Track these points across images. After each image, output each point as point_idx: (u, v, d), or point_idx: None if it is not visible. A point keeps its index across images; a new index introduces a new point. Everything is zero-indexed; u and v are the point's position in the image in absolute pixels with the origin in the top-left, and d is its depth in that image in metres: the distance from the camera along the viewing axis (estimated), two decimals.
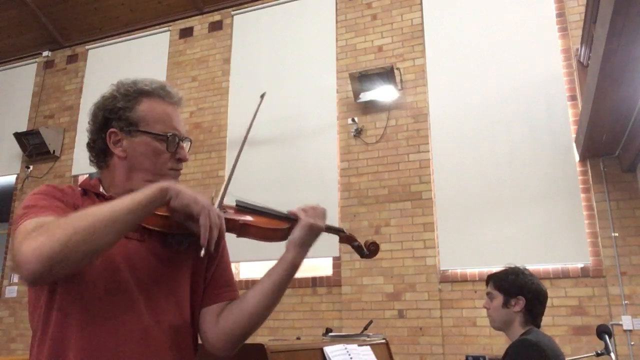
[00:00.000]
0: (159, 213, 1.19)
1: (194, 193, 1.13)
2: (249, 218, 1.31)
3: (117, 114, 1.26)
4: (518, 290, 2.23)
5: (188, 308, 1.26)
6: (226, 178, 1.32)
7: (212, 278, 1.33)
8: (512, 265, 2.36)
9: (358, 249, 1.47)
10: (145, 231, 1.21)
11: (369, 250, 1.47)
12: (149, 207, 1.09)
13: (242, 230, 1.28)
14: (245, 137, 1.38)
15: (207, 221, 1.12)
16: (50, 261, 0.95)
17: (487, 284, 2.38)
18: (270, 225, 1.31)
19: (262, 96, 1.42)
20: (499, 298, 2.27)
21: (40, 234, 0.98)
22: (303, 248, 1.29)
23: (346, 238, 1.47)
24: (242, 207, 1.35)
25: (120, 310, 1.14)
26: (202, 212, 1.12)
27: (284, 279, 1.26)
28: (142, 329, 1.15)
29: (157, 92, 1.29)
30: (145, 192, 1.08)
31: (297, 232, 1.29)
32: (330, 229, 1.41)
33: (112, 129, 1.26)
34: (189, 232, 1.22)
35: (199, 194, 1.14)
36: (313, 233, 1.29)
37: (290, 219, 1.33)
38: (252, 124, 1.38)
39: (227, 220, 1.26)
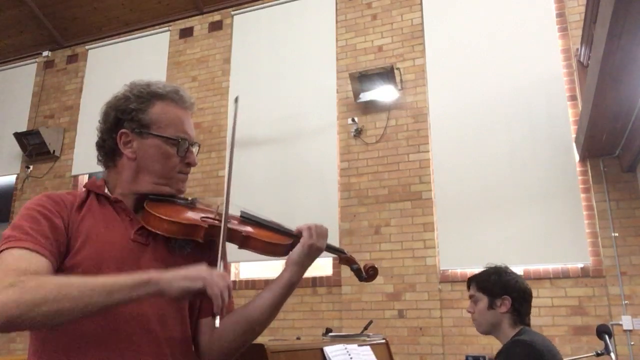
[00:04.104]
0: (165, 217, 1.19)
1: (185, 272, 1.05)
2: (252, 230, 1.30)
3: (129, 115, 1.25)
4: (502, 290, 2.15)
5: (188, 317, 1.25)
6: (225, 189, 1.30)
7: None
8: (493, 265, 2.28)
9: (357, 272, 1.45)
10: (150, 234, 1.21)
11: (367, 274, 1.45)
12: (131, 296, 1.01)
13: (244, 242, 1.28)
14: (232, 143, 1.35)
15: (216, 290, 1.04)
16: (9, 320, 0.93)
17: (468, 287, 2.29)
18: (273, 239, 1.30)
19: (236, 100, 1.43)
20: (484, 300, 2.18)
21: (12, 286, 0.96)
22: (301, 267, 1.29)
23: (346, 260, 1.45)
24: (246, 219, 1.34)
25: (126, 316, 1.13)
26: (206, 284, 1.04)
27: (281, 296, 1.27)
28: (147, 334, 1.14)
29: (171, 96, 1.29)
30: (131, 282, 1.01)
31: (296, 251, 1.29)
32: (331, 249, 1.40)
33: (123, 130, 1.25)
34: (192, 237, 1.22)
35: (191, 269, 1.06)
36: (313, 253, 1.29)
37: (294, 235, 1.32)
38: (234, 129, 1.36)
39: (230, 230, 1.25)
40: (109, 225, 1.21)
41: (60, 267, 1.13)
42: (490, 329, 2.21)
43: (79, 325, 1.10)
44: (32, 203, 1.17)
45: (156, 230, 1.20)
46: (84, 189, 1.29)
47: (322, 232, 1.31)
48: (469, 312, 2.27)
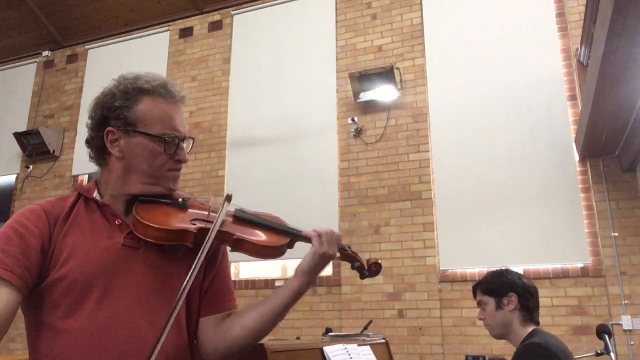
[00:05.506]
0: (152, 224, 1.16)
1: None
2: (245, 232, 1.23)
3: (115, 113, 1.20)
4: (507, 288, 2.18)
5: (184, 317, 1.22)
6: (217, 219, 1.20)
7: (211, 287, 1.28)
8: (494, 269, 2.32)
9: (359, 270, 1.35)
10: (141, 239, 1.18)
11: (369, 271, 1.35)
12: None
13: (236, 245, 1.22)
14: (211, 233, 1.17)
15: None
16: None
17: (474, 295, 2.32)
18: (268, 242, 1.23)
19: (230, 200, 1.23)
20: (491, 302, 2.21)
21: None
22: (311, 276, 1.24)
23: (348, 257, 1.35)
24: (242, 219, 1.27)
25: (117, 322, 1.11)
26: None
27: (289, 303, 1.23)
28: (141, 340, 1.12)
29: (158, 91, 1.23)
30: None
31: (308, 260, 1.23)
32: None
33: (110, 128, 1.21)
34: (181, 243, 1.18)
35: None
36: (324, 262, 1.24)
37: (292, 234, 1.27)
38: (217, 224, 1.19)
39: (222, 232, 1.20)
40: (97, 233, 1.18)
41: (41, 282, 1.11)
42: (502, 331, 2.21)
43: (68, 337, 1.09)
44: (13, 219, 1.14)
45: (144, 237, 1.16)
46: (75, 192, 1.26)
47: (334, 240, 1.24)
48: (480, 319, 2.28)
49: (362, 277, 1.35)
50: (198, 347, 1.26)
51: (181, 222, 1.20)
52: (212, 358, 1.25)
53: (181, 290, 1.07)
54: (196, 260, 1.09)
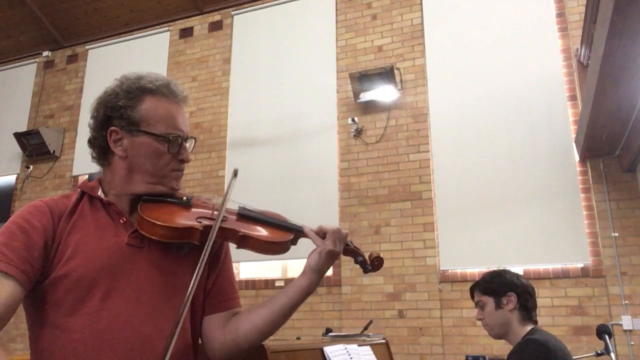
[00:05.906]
0: (158, 222, 1.16)
1: None
2: (250, 229, 1.25)
3: (118, 112, 1.21)
4: (506, 287, 2.19)
5: (188, 318, 1.22)
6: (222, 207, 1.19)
7: (214, 286, 1.29)
8: (491, 270, 2.33)
9: (361, 264, 1.37)
10: (145, 236, 1.18)
11: (372, 265, 1.37)
12: None
13: (242, 241, 1.23)
14: (223, 204, 1.18)
15: None
16: None
17: (472, 296, 2.32)
18: (273, 238, 1.25)
19: (235, 174, 1.24)
20: (490, 302, 2.21)
21: None
22: (320, 274, 1.25)
23: (350, 251, 1.37)
24: (245, 216, 1.29)
25: (120, 321, 1.11)
26: None
27: (298, 301, 1.24)
28: (143, 339, 1.12)
29: (161, 90, 1.24)
30: None
31: (316, 258, 1.24)
32: None
33: (113, 127, 1.21)
34: (187, 240, 1.19)
35: None
36: (332, 259, 1.26)
37: (295, 230, 1.28)
38: (227, 196, 1.20)
39: (227, 229, 1.21)
40: (102, 231, 1.18)
41: (44, 279, 1.12)
42: (501, 331, 2.21)
43: (70, 335, 1.09)
44: (17, 215, 1.15)
45: (150, 235, 1.17)
46: (78, 190, 1.26)
47: (342, 237, 1.27)
48: (479, 319, 2.28)
49: (365, 271, 1.38)
50: (203, 345, 1.26)
51: (187, 219, 1.21)
52: (218, 356, 1.25)
53: (187, 292, 1.07)
54: (201, 257, 1.10)
